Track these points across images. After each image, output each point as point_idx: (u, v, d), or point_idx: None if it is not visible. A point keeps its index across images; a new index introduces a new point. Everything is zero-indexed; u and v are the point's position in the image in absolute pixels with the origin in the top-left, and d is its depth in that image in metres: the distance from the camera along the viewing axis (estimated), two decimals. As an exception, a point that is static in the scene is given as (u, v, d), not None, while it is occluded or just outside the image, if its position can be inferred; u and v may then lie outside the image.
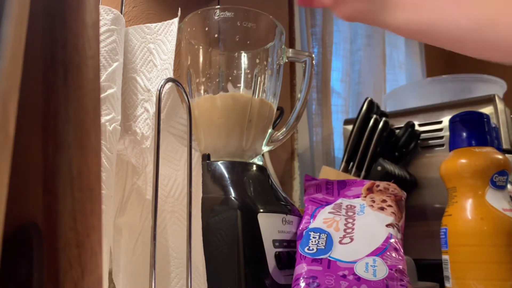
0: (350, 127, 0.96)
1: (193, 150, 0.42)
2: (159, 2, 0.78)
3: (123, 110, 0.48)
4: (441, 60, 2.17)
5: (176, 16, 0.49)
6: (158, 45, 0.49)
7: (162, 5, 0.78)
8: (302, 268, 0.47)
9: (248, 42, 0.60)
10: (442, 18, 0.45)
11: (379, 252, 0.48)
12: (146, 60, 0.49)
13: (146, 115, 0.47)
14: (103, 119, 0.42)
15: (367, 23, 0.51)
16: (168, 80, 0.40)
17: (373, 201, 0.57)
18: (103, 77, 0.43)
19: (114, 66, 0.44)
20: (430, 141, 0.94)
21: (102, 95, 0.42)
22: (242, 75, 0.59)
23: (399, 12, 0.47)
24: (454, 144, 0.57)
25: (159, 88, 0.39)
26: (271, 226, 0.50)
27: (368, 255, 0.48)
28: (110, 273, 0.48)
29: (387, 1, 0.48)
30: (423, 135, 0.95)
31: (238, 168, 0.54)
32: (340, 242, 0.50)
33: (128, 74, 0.49)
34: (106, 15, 0.45)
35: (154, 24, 0.50)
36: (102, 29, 0.44)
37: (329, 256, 0.48)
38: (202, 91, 0.59)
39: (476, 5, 0.43)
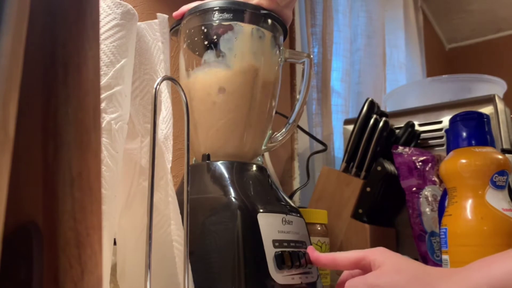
0: (350, 127, 0.95)
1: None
2: (159, 2, 0.78)
3: (141, 110, 0.47)
4: (441, 60, 2.16)
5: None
6: (164, 44, 0.48)
7: (162, 5, 0.78)
8: None
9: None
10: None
11: None
12: (159, 59, 0.48)
13: (164, 116, 0.47)
14: (109, 117, 0.40)
15: None
16: (165, 78, 0.40)
17: None
18: (110, 73, 0.41)
19: (123, 62, 0.42)
20: (430, 141, 0.94)
21: (109, 92, 0.40)
22: (242, 75, 0.59)
23: (451, 281, 0.41)
24: (454, 144, 0.57)
25: (155, 86, 0.38)
26: (271, 226, 0.50)
27: None
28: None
29: (441, 272, 0.43)
30: (423, 135, 0.95)
31: (238, 168, 0.54)
32: None
33: (145, 74, 0.47)
34: (116, 9, 0.42)
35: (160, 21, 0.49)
36: (111, 24, 0.42)
37: None
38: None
39: None
